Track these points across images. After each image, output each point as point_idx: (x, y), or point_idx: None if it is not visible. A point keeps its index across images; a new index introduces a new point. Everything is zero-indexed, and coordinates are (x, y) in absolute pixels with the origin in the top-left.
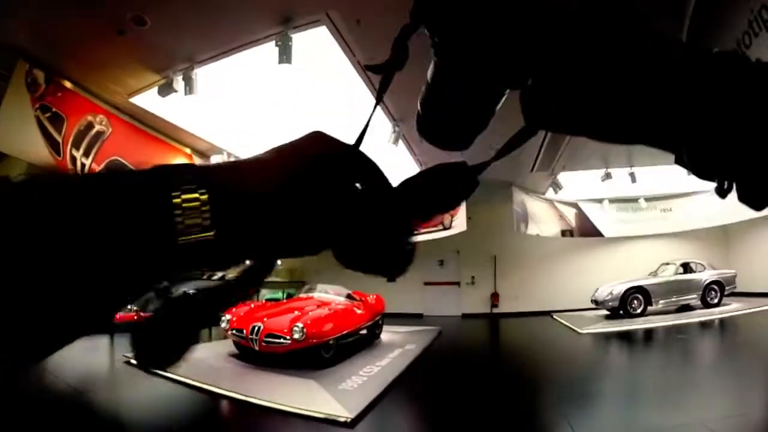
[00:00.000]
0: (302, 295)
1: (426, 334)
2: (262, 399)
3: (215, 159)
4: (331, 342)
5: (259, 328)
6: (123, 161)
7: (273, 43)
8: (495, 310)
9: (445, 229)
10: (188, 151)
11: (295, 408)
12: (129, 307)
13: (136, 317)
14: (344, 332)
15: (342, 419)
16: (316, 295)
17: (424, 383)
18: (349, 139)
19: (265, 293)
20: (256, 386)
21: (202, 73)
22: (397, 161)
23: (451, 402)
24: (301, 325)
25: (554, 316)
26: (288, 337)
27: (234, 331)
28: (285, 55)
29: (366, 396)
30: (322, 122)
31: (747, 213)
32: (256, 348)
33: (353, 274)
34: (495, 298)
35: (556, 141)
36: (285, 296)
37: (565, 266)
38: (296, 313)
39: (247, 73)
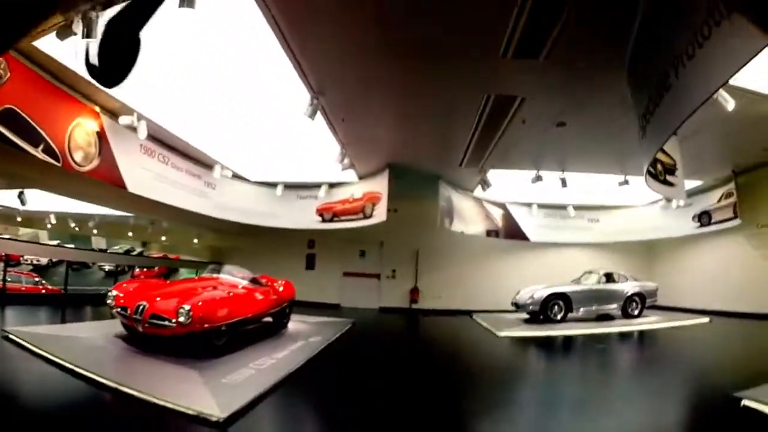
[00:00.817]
0: (206, 275)
1: (336, 326)
2: (132, 388)
3: (124, 120)
4: (223, 328)
5: (144, 307)
6: (18, 111)
7: None
8: (414, 306)
9: (366, 217)
10: (97, 109)
11: (164, 401)
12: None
13: (43, 290)
14: (240, 318)
15: (213, 419)
16: (222, 276)
17: (318, 381)
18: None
19: (184, 272)
20: (130, 373)
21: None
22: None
23: (341, 404)
24: (187, 307)
25: (473, 317)
26: (173, 320)
27: (119, 309)
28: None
29: (248, 393)
30: (235, 77)
31: (670, 231)
32: (140, 329)
33: (272, 257)
34: (415, 293)
35: (486, 137)
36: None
37: (489, 267)
38: (189, 294)
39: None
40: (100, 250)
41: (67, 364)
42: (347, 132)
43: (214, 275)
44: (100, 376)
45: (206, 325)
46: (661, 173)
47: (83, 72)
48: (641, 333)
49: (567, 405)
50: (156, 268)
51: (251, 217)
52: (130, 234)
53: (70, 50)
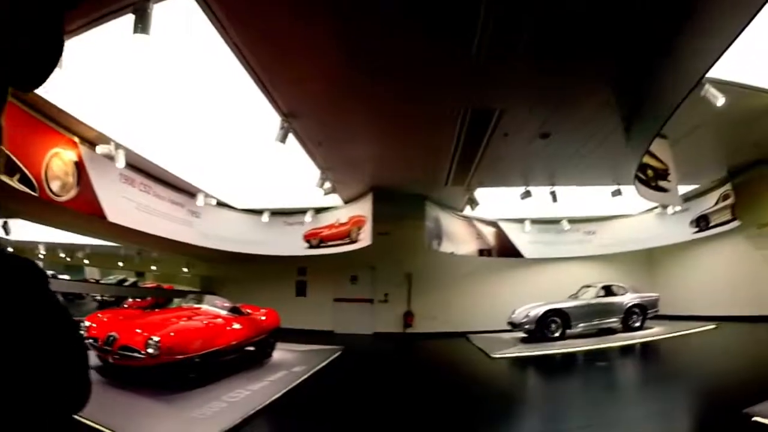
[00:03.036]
0: (185, 305)
1: (323, 354)
2: (95, 421)
3: (102, 149)
4: (197, 359)
5: (114, 338)
6: None
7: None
8: (409, 330)
9: (351, 242)
10: (76, 139)
11: None
12: None
13: None
14: (215, 349)
15: None
16: (204, 306)
17: (290, 416)
18: None
19: (177, 303)
20: (97, 406)
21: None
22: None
23: None
24: (156, 338)
25: (469, 338)
26: (142, 351)
27: (91, 341)
28: (141, 24)
29: (216, 428)
30: (210, 105)
31: (668, 238)
32: (110, 361)
33: (263, 285)
34: (409, 317)
35: (469, 153)
36: None
37: (484, 286)
38: (161, 324)
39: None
40: (95, 281)
41: None
42: (326, 156)
43: (194, 305)
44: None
45: (178, 357)
46: (652, 178)
47: (60, 102)
48: (644, 346)
49: None
50: (149, 299)
51: (237, 245)
52: (121, 264)
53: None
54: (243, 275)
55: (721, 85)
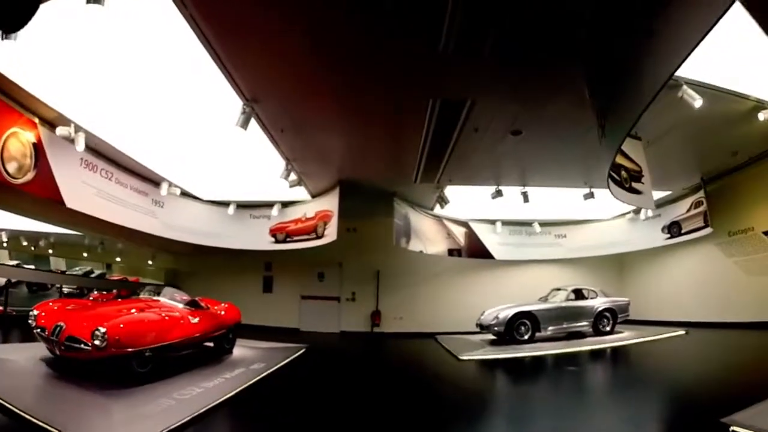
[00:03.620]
0: (143, 297)
1: (286, 352)
2: (34, 416)
3: (61, 131)
4: (147, 353)
5: (61, 328)
6: None
7: None
8: (376, 330)
9: (317, 237)
10: (36, 120)
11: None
12: None
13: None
14: (168, 342)
15: None
16: (161, 299)
17: (240, 415)
18: None
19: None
20: (38, 400)
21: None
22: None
23: None
24: (102, 330)
25: (437, 339)
26: (89, 343)
27: (38, 330)
28: None
29: (160, 426)
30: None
31: (640, 243)
32: (57, 353)
33: (228, 279)
34: (376, 316)
35: (438, 148)
36: None
37: (453, 287)
38: (110, 315)
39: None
40: (61, 272)
41: None
42: (291, 145)
43: (151, 297)
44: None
45: (127, 349)
46: (626, 180)
47: (19, 79)
48: (614, 350)
49: None
50: (114, 291)
51: (201, 238)
52: (85, 255)
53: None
54: (208, 269)
55: (699, 88)
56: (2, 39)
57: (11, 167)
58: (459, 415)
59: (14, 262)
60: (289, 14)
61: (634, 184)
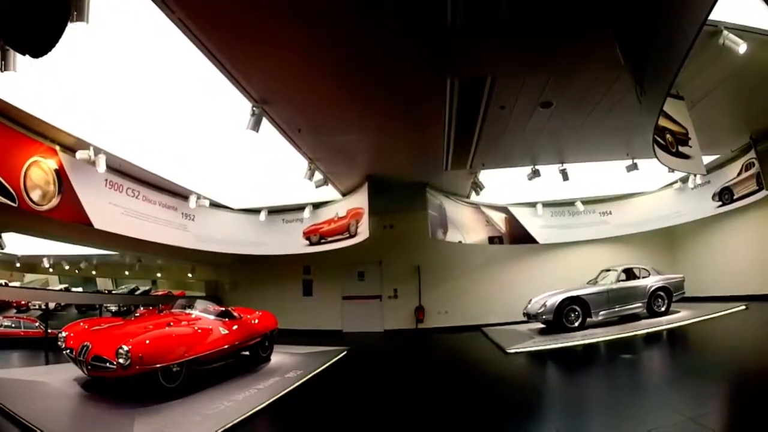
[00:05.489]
0: (176, 311)
1: (325, 356)
2: None
3: (81, 155)
4: (175, 368)
5: (87, 348)
6: None
7: None
8: (420, 326)
9: (351, 236)
10: (57, 147)
11: None
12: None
13: (22, 334)
14: (197, 356)
15: None
16: (193, 311)
17: (271, 429)
18: None
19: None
20: (62, 422)
21: None
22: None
23: None
24: (126, 348)
25: (484, 331)
26: (114, 362)
27: (67, 351)
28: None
29: None
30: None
31: (690, 214)
32: (85, 373)
33: (268, 286)
34: (420, 312)
35: (465, 132)
36: None
37: (497, 276)
38: (135, 332)
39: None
40: (107, 292)
41: (8, 410)
42: (311, 146)
43: (183, 311)
44: (29, 424)
45: (152, 366)
46: (672, 144)
47: (36, 111)
48: (672, 332)
49: None
50: (160, 306)
51: (235, 247)
52: (127, 273)
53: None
54: (248, 277)
55: (743, 32)
56: (3, 71)
57: (35, 195)
58: (508, 417)
59: (62, 286)
60: (291, 18)
61: (681, 148)
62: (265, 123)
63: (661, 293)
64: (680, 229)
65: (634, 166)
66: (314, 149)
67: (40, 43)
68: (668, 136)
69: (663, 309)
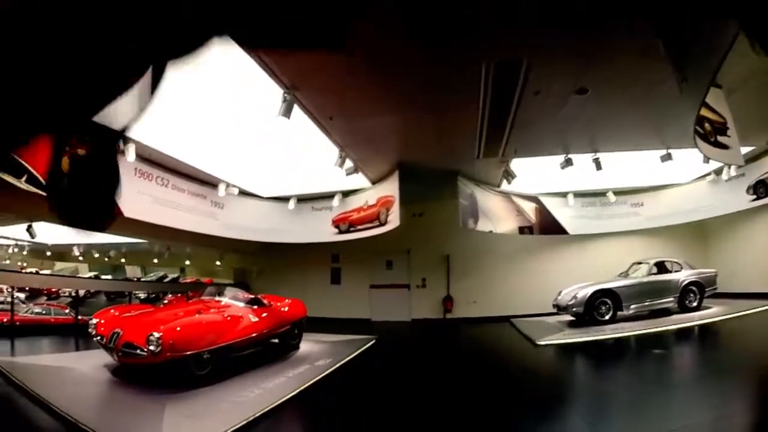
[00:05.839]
0: (205, 298)
1: (354, 344)
2: (84, 425)
3: None
4: (206, 355)
5: (118, 335)
6: None
7: None
8: (448, 316)
9: (381, 224)
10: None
11: None
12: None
13: (53, 320)
14: (227, 343)
15: None
16: (222, 299)
17: (298, 419)
18: None
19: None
20: (92, 408)
21: None
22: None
23: None
24: (157, 335)
25: (513, 323)
26: (145, 348)
27: (98, 338)
28: None
29: None
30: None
31: (723, 207)
32: (115, 359)
33: (296, 274)
34: (448, 302)
35: (499, 119)
36: None
37: (526, 267)
38: (166, 320)
39: None
40: (136, 279)
41: (38, 396)
42: (342, 133)
43: (213, 298)
44: (58, 409)
45: (183, 353)
46: (711, 133)
47: None
48: (704, 329)
49: None
50: (189, 293)
51: (264, 235)
52: (155, 261)
53: None
54: (276, 265)
55: None
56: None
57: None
58: (537, 408)
59: (92, 274)
60: None
61: (719, 138)
62: (296, 111)
63: (693, 288)
64: (713, 223)
65: (668, 156)
66: (345, 136)
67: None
68: (707, 125)
69: (695, 304)
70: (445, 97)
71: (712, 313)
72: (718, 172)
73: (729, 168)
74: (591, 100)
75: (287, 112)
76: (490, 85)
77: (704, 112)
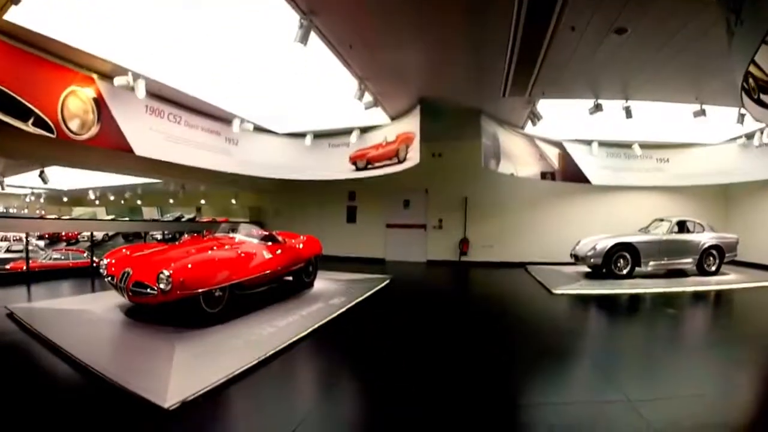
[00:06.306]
0: (219, 235)
1: (368, 284)
2: (90, 366)
3: (119, 81)
4: (217, 293)
5: (128, 274)
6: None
7: None
8: (464, 258)
9: (399, 162)
10: (94, 75)
11: (117, 380)
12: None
13: (70, 264)
14: (240, 280)
15: (167, 405)
16: (238, 235)
17: (309, 358)
18: None
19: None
20: (100, 348)
21: None
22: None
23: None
24: (167, 272)
25: (528, 270)
26: (155, 287)
27: (109, 278)
28: None
29: (220, 374)
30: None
31: (751, 173)
32: (125, 299)
33: (312, 212)
34: (464, 245)
35: (529, 55)
36: None
37: (545, 214)
38: (177, 257)
39: None
40: (153, 220)
41: (49, 339)
42: (362, 63)
43: (227, 234)
44: (67, 352)
45: (194, 290)
46: (755, 90)
47: (69, 39)
48: (720, 295)
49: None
50: (205, 232)
51: (280, 171)
52: (171, 201)
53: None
54: (291, 203)
55: None
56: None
57: (74, 125)
58: (553, 356)
59: (110, 217)
60: None
61: (762, 96)
62: (314, 40)
63: (714, 252)
64: (737, 188)
65: (701, 112)
66: (365, 67)
67: None
68: (751, 81)
69: (713, 268)
70: (475, 26)
71: (730, 279)
72: (749, 136)
73: (762, 134)
74: (629, 42)
75: (304, 39)
76: (523, 15)
77: (751, 68)
